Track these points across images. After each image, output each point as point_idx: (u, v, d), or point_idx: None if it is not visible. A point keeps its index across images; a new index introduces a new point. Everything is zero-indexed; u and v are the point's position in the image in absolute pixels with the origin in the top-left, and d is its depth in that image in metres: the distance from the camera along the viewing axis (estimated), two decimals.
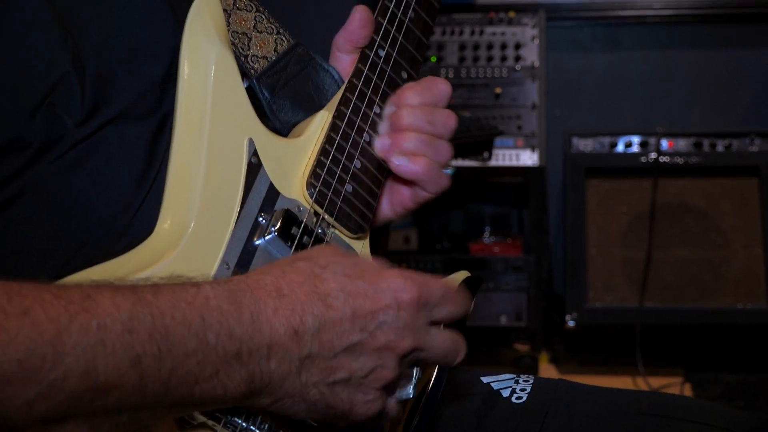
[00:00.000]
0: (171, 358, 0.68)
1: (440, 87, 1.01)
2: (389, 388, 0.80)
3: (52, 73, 0.85)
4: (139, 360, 0.67)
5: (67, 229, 0.87)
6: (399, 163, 0.98)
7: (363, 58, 1.00)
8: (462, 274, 0.96)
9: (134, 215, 0.90)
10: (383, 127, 0.99)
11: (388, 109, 1.00)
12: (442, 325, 0.83)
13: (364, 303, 0.77)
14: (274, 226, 0.88)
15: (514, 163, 3.16)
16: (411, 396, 0.82)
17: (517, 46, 3.24)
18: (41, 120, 0.84)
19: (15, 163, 0.84)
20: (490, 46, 3.25)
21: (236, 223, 0.87)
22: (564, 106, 3.53)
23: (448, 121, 1.00)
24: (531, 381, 1.10)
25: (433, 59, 3.25)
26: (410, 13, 1.03)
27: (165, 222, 0.86)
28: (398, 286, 0.78)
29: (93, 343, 0.65)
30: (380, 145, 0.99)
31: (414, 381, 0.82)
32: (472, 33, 3.26)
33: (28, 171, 0.84)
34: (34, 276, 0.79)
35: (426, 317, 0.80)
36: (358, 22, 1.00)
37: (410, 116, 0.98)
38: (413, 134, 0.98)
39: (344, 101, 0.98)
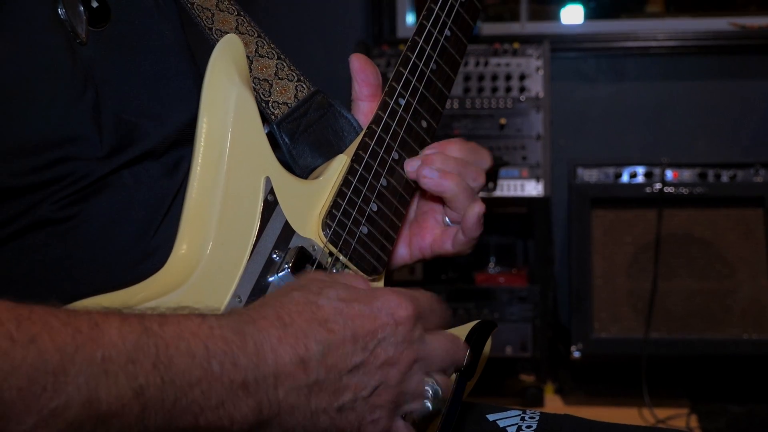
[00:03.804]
0: (174, 388, 0.69)
1: (485, 156, 1.05)
2: (395, 405, 0.81)
3: (66, 128, 0.87)
4: (142, 390, 0.67)
5: (81, 257, 0.88)
6: (429, 175, 1.00)
7: (383, 105, 1.01)
8: (473, 323, 0.97)
9: (147, 245, 0.91)
10: (412, 165, 1.02)
11: (427, 151, 1.02)
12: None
13: (363, 323, 0.78)
14: (287, 263, 0.89)
15: (519, 193, 3.16)
16: (429, 408, 0.82)
17: (522, 77, 3.25)
18: (55, 168, 0.86)
19: (30, 198, 0.85)
20: (494, 77, 3.26)
21: (250, 258, 0.88)
22: (569, 137, 3.54)
23: (478, 177, 1.03)
24: (537, 417, 1.10)
25: None
26: (432, 65, 1.04)
27: (179, 252, 0.87)
28: (393, 303, 0.80)
29: (96, 374, 0.65)
30: (410, 167, 1.02)
31: (430, 395, 0.83)
32: (477, 64, 3.27)
33: (44, 204, 0.86)
34: (46, 301, 0.80)
35: (421, 328, 0.82)
36: (358, 65, 1.03)
37: (443, 162, 1.01)
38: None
39: (363, 146, 0.99)
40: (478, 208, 1.01)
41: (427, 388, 0.82)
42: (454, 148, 1.03)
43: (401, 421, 0.82)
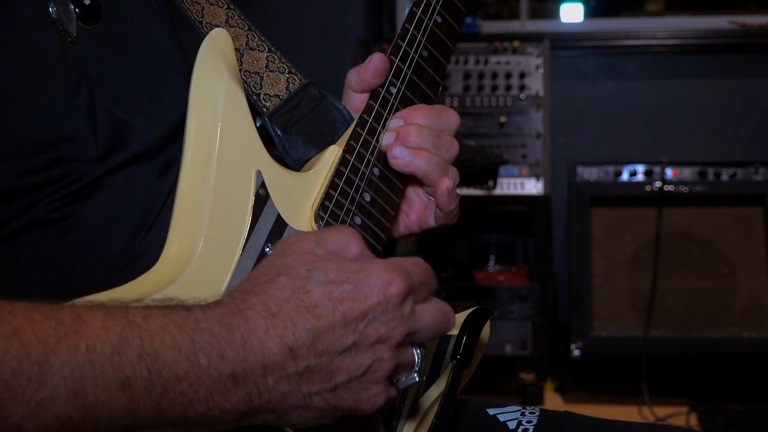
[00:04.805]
0: (162, 381, 0.69)
1: (451, 117, 1.02)
2: (390, 379, 0.80)
3: (62, 128, 0.87)
4: (128, 382, 0.67)
5: (75, 258, 0.88)
6: (399, 155, 0.99)
7: (374, 94, 1.01)
8: (470, 310, 0.96)
9: (139, 245, 0.91)
10: (388, 138, 1.00)
11: (395, 122, 1.01)
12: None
13: (353, 305, 0.77)
14: None
15: (518, 191, 3.16)
16: (417, 380, 0.81)
17: (522, 76, 3.25)
18: (51, 170, 0.86)
19: (26, 200, 0.85)
20: (494, 76, 3.26)
21: (242, 253, 0.87)
22: (569, 135, 3.54)
23: (451, 147, 1.01)
24: (537, 413, 1.10)
25: None
26: (423, 51, 1.04)
27: (171, 249, 0.87)
28: (384, 281, 0.78)
29: (81, 364, 0.65)
30: (390, 148, 1.00)
31: (417, 366, 0.82)
32: (477, 62, 3.28)
33: (39, 206, 0.86)
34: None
35: (412, 302, 0.80)
36: (373, 72, 1.01)
37: (418, 136, 0.99)
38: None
39: (354, 136, 0.98)
40: (447, 183, 1.00)
41: (416, 359, 0.82)
42: (420, 116, 1.01)
43: (394, 390, 0.81)
